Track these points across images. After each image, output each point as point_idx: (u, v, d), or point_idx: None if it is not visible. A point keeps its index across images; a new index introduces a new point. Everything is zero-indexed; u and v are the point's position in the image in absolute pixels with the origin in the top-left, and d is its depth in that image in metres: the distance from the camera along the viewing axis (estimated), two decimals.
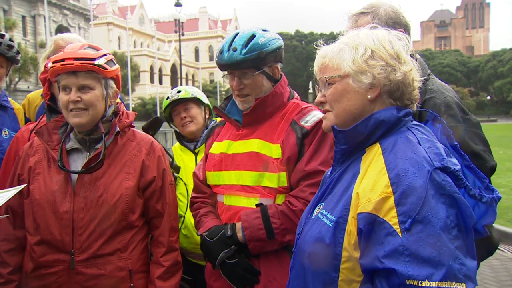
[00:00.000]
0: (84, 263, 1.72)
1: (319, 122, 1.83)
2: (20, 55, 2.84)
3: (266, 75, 1.89)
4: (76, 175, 1.77)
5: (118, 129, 1.85)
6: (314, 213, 1.29)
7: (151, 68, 62.29)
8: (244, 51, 1.81)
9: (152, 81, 62.42)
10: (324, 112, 1.33)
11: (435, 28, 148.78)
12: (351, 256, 1.13)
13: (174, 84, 60.62)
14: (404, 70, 1.22)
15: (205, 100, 2.78)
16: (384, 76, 1.21)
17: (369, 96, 1.23)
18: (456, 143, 1.24)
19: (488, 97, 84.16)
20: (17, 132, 2.51)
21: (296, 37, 75.36)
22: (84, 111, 1.74)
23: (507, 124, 53.81)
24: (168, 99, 2.71)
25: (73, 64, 1.68)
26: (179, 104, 2.70)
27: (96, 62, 1.72)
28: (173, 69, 67.74)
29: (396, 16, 1.85)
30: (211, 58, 78.23)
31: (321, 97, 1.32)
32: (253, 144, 1.87)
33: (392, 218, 1.04)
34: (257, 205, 1.81)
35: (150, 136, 2.00)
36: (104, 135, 1.80)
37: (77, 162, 1.80)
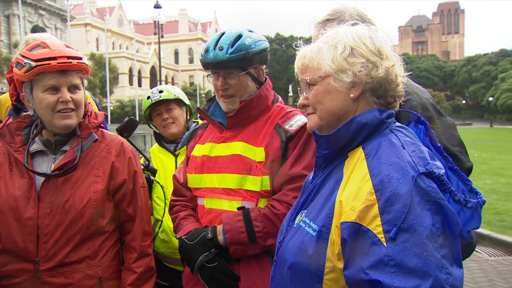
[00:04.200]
0: (50, 272, 1.64)
1: (304, 126, 1.80)
2: None
3: (251, 76, 1.87)
4: (41, 180, 1.68)
5: (96, 137, 1.79)
6: (296, 221, 1.24)
7: (130, 70, 61.64)
8: (230, 50, 1.78)
9: (131, 83, 61.77)
10: (308, 114, 1.28)
11: (412, 33, 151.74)
12: (334, 266, 1.08)
13: (153, 86, 60.12)
14: (386, 66, 1.17)
15: (187, 100, 2.71)
16: (366, 74, 1.16)
17: (351, 95, 1.18)
18: (439, 144, 1.21)
19: (464, 101, 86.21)
20: None
21: (276, 40, 75.86)
22: (73, 112, 1.69)
23: (481, 128, 55.22)
24: (149, 99, 2.62)
25: (71, 62, 1.64)
26: (160, 105, 2.62)
27: (83, 60, 1.70)
28: (153, 71, 67.23)
29: (361, 19, 1.83)
30: (191, 61, 78.04)
31: (303, 100, 1.27)
32: (237, 147, 1.84)
33: (376, 227, 0.99)
34: (239, 208, 1.76)
35: (120, 137, 1.94)
36: (79, 136, 1.73)
37: (42, 165, 1.71)
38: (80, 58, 1.70)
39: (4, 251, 1.65)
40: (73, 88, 1.69)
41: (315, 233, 1.12)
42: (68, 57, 1.66)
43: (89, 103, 1.89)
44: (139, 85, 62.71)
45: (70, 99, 1.68)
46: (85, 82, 1.78)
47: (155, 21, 28.24)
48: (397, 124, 1.22)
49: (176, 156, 2.62)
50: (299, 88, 1.32)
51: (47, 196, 1.66)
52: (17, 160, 1.70)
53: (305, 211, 1.22)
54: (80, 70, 1.70)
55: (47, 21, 45.25)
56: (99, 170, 1.75)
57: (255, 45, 1.83)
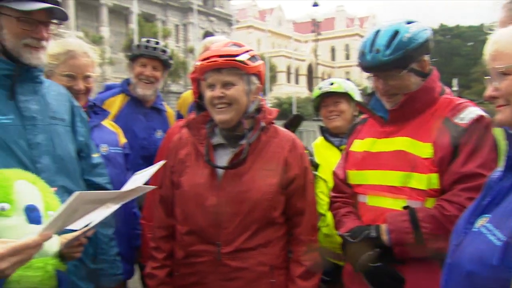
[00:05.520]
0: (229, 256, 1.78)
1: (478, 119, 1.66)
2: (172, 60, 3.12)
3: (414, 71, 1.76)
4: (222, 170, 1.82)
5: (263, 124, 1.87)
6: (477, 225, 1.14)
7: (288, 68, 63.69)
8: (387, 52, 1.71)
9: (288, 81, 63.82)
10: (498, 107, 1.15)
11: None
12: None
13: (310, 84, 61.18)
14: None
15: (357, 97, 2.69)
16: None
17: None
18: None
19: None
20: (169, 129, 2.75)
21: (440, 31, 70.06)
22: (228, 107, 1.79)
23: None
24: (320, 89, 2.69)
25: (217, 61, 1.75)
26: (329, 97, 2.66)
27: (238, 58, 1.76)
28: (310, 69, 68.28)
29: None
30: (347, 57, 77.05)
31: (493, 91, 1.14)
32: (401, 143, 1.76)
33: None
34: (404, 208, 1.69)
35: (292, 133, 2.00)
36: (248, 131, 1.84)
37: (223, 157, 1.85)
38: (233, 56, 1.75)
39: (190, 233, 1.85)
40: (226, 85, 1.78)
41: (500, 243, 1.01)
42: (220, 56, 1.76)
43: (263, 99, 1.99)
44: (296, 82, 64.46)
45: (222, 95, 1.77)
46: (252, 78, 1.83)
47: (312, 19, 28.70)
48: None
49: (341, 151, 2.59)
50: (486, 78, 1.19)
51: (227, 186, 1.80)
52: (201, 151, 1.88)
53: (489, 216, 1.11)
54: (234, 67, 1.77)
55: (216, 26, 49.50)
56: (273, 164, 1.84)
57: (415, 39, 1.71)
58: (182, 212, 1.89)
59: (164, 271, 1.93)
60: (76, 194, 1.08)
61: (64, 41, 2.35)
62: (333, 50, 79.58)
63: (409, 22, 1.77)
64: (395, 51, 1.70)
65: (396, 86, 1.77)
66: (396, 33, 1.72)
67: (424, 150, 1.70)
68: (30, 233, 1.12)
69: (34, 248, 1.10)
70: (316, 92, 2.72)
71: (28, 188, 1.39)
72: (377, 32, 1.78)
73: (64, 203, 1.10)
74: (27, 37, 1.68)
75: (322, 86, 2.70)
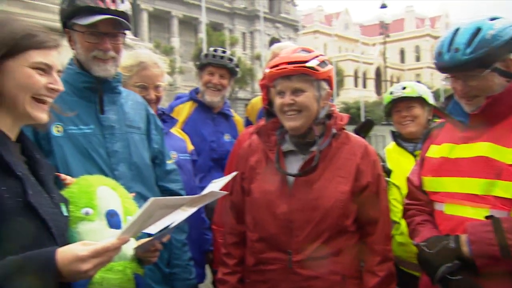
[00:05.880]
0: (300, 264, 1.76)
1: None
2: (238, 68, 3.20)
3: (498, 71, 1.64)
4: (293, 177, 1.80)
5: (334, 130, 1.84)
6: None
7: (355, 72, 62.55)
8: (468, 50, 1.60)
9: (356, 85, 62.64)
10: None
11: None
12: None
13: (378, 87, 59.64)
14: None
15: (431, 100, 2.58)
16: None
17: None
18: None
19: None
20: (239, 135, 2.80)
21: None
22: (298, 114, 1.78)
23: None
24: (392, 94, 2.61)
25: (286, 68, 1.74)
26: (401, 102, 2.57)
27: (308, 64, 1.74)
28: (378, 72, 66.57)
29: None
30: (417, 59, 74.26)
31: None
32: (482, 148, 1.65)
33: None
34: (487, 217, 1.58)
35: (363, 139, 1.95)
36: (318, 137, 1.81)
37: (293, 164, 1.83)
38: (303, 62, 1.73)
39: (261, 240, 1.84)
40: (296, 92, 1.76)
41: None
42: (289, 63, 1.73)
43: (333, 105, 1.95)
44: (364, 86, 63.11)
45: (292, 102, 1.75)
46: (322, 84, 1.80)
47: (380, 21, 28.01)
48: None
49: (415, 157, 2.51)
50: None
51: (298, 194, 1.78)
52: (271, 158, 1.87)
53: None
54: (304, 73, 1.74)
55: (282, 32, 49.86)
56: (345, 171, 1.80)
57: (500, 36, 1.59)
58: (252, 219, 1.89)
59: (235, 277, 1.94)
60: (151, 200, 1.12)
61: (136, 53, 2.48)
62: (402, 52, 77.02)
63: (493, 19, 1.65)
64: (477, 49, 1.60)
65: (478, 87, 1.66)
66: (478, 30, 1.61)
67: (509, 156, 1.59)
68: (110, 237, 1.19)
69: (113, 250, 1.16)
70: (388, 97, 2.63)
71: (109, 194, 1.48)
72: (457, 30, 1.68)
73: (140, 209, 1.15)
74: (94, 50, 1.80)
75: (394, 91, 2.61)
